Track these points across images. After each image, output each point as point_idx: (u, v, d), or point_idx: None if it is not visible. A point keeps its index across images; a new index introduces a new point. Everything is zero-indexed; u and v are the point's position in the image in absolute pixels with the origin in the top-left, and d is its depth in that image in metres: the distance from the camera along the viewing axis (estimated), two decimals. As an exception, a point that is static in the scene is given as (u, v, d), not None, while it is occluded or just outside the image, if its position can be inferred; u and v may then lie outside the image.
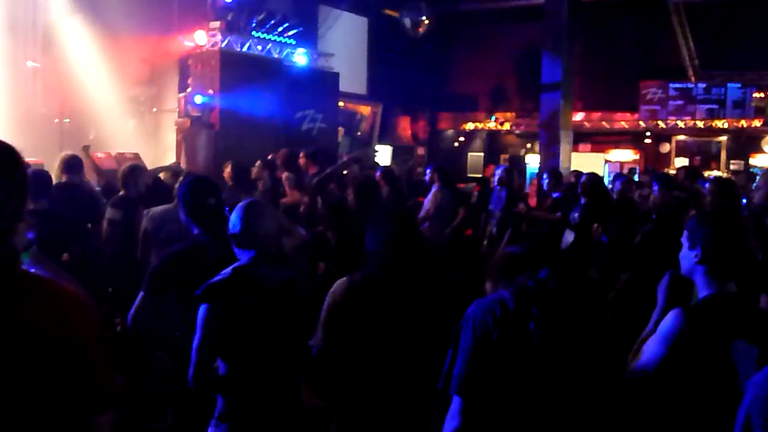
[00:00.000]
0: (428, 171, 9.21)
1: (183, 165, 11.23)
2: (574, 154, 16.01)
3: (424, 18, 17.68)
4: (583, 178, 8.15)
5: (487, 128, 22.18)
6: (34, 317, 1.90)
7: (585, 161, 16.89)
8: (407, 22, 17.83)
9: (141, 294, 3.96)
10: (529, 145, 21.36)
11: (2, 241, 1.88)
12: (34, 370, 1.88)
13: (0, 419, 1.85)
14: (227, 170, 7.87)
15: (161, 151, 13.57)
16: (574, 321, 2.70)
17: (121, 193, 6.78)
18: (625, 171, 17.48)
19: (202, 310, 3.26)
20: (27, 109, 11.75)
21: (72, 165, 7.24)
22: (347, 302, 3.41)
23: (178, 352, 3.76)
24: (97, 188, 8.11)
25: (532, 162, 18.96)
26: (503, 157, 21.38)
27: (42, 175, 6.32)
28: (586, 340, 2.70)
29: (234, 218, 3.44)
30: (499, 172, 9.67)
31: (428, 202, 8.93)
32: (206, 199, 4.13)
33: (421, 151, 21.73)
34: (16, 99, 12.09)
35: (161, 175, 8.35)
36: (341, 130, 17.31)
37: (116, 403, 2.08)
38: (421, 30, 17.84)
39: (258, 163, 8.58)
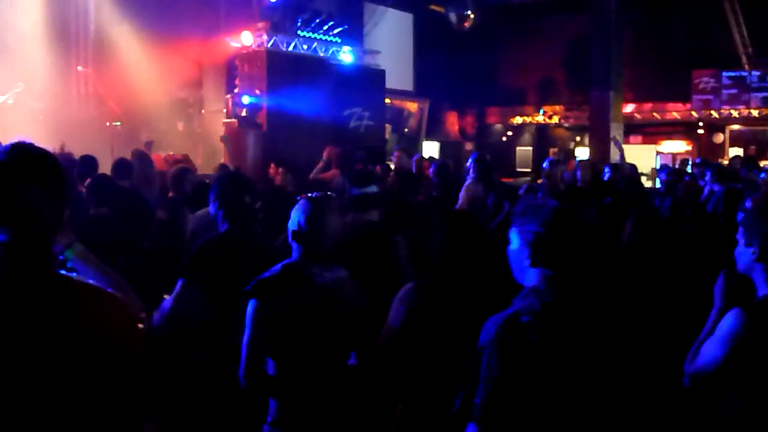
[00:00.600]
0: (470, 161, 8.99)
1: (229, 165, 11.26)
2: (625, 146, 15.75)
3: (469, 12, 17.57)
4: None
5: (535, 122, 21.96)
6: (74, 323, 1.88)
7: (636, 153, 16.60)
8: (453, 17, 17.74)
9: (180, 281, 3.98)
10: (578, 138, 21.10)
11: (39, 247, 1.88)
12: (75, 376, 1.86)
13: (44, 427, 1.84)
14: (272, 169, 7.91)
15: (210, 152, 13.68)
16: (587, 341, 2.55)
17: (170, 194, 6.84)
18: (678, 162, 17.13)
19: (251, 305, 3.24)
20: (79, 114, 11.96)
21: (121, 170, 7.30)
22: (416, 307, 3.37)
23: (220, 352, 3.75)
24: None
25: (582, 155, 18.73)
26: (552, 150, 21.14)
27: (103, 182, 6.34)
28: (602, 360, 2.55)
29: (295, 213, 3.40)
30: (545, 165, 9.48)
31: (461, 195, 8.74)
32: (242, 196, 4.15)
33: (469, 146, 21.59)
34: (68, 104, 12.30)
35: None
36: (388, 127, 17.27)
37: (160, 410, 2.05)
38: (467, 24, 17.73)
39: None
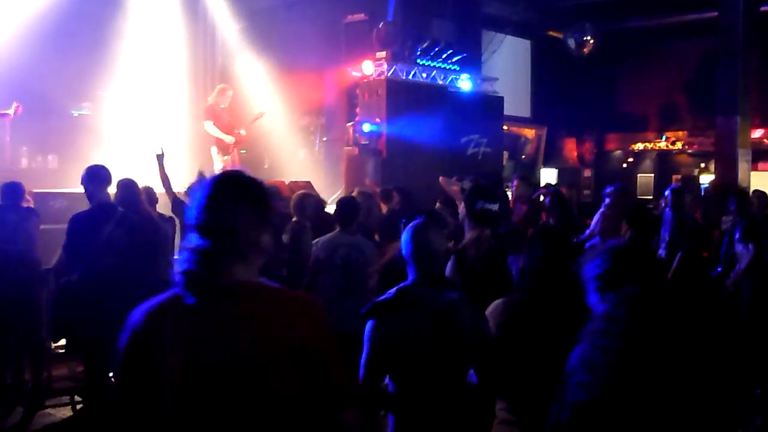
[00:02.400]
0: (608, 190, 8.96)
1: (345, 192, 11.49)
2: (753, 173, 15.17)
3: (588, 37, 17.40)
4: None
5: (657, 148, 21.43)
6: (271, 324, 2.14)
7: (765, 181, 15.98)
8: (571, 42, 17.60)
9: None
10: (702, 165, 20.44)
11: (229, 257, 2.17)
12: (275, 372, 2.10)
13: (252, 418, 2.09)
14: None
15: (331, 178, 14.00)
16: None
17: (294, 219, 7.08)
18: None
19: (367, 326, 3.41)
20: (206, 141, 12.44)
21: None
22: (504, 324, 3.44)
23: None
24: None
25: (707, 183, 18.14)
26: (675, 177, 20.55)
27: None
28: None
29: (403, 238, 3.54)
30: (667, 193, 9.31)
31: (594, 222, 8.83)
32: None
33: (587, 173, 21.28)
34: (198, 132, 12.85)
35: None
36: (506, 153, 17.23)
37: (357, 402, 2.30)
38: (585, 50, 17.55)
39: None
